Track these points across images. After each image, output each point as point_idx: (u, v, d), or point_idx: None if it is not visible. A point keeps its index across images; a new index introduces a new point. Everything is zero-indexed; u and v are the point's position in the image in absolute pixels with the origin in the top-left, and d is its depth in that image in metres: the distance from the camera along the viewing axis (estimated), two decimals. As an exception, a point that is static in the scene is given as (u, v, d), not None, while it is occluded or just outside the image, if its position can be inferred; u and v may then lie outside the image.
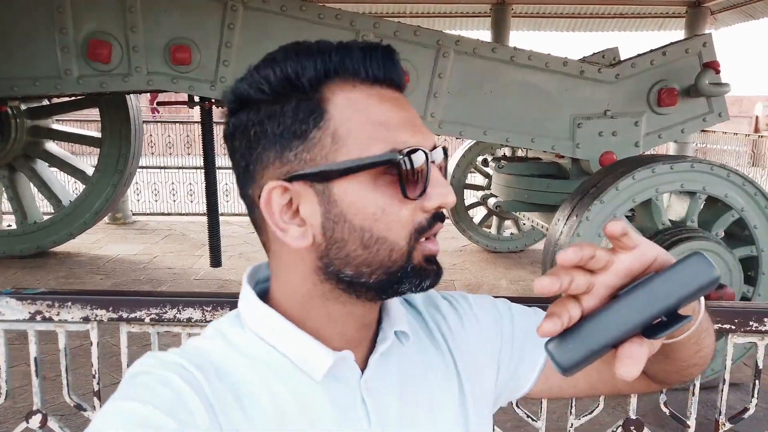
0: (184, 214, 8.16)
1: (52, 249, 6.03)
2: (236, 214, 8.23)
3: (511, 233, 6.52)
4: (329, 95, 0.56)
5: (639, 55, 3.96)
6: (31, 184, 5.96)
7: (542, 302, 0.95)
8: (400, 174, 0.55)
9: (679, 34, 8.47)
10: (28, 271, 5.54)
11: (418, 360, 0.69)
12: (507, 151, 5.81)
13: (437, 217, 0.59)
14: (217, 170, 4.56)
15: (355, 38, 3.74)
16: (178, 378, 0.53)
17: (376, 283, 0.58)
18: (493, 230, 6.47)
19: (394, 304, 0.68)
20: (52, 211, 6.01)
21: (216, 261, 4.69)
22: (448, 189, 0.58)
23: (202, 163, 4.63)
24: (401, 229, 0.57)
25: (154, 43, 3.65)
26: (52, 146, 6.04)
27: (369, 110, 0.57)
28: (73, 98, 5.67)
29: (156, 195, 8.32)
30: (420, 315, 0.74)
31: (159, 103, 4.74)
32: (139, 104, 6.06)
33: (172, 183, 8.35)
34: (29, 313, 0.94)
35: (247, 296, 0.63)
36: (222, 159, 9.21)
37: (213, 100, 4.31)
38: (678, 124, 4.02)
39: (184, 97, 4.38)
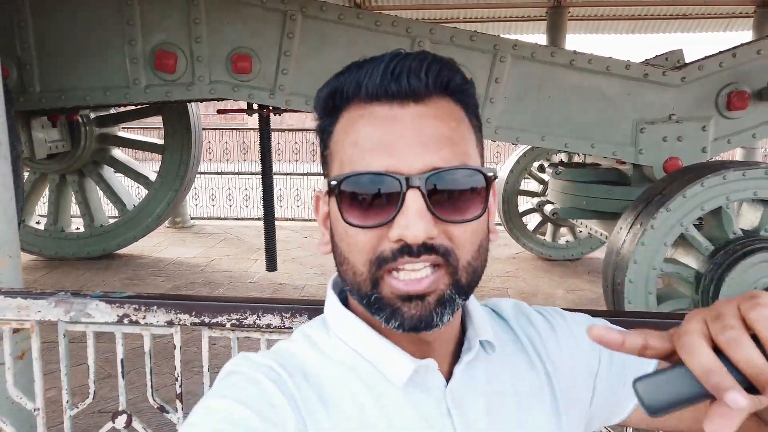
0: (239, 219, 8.37)
1: (116, 251, 6.29)
2: (290, 219, 8.39)
3: (567, 241, 6.36)
4: (342, 115, 0.58)
5: (707, 57, 3.80)
6: (99, 189, 6.24)
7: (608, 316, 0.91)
8: (337, 200, 0.55)
9: (746, 35, 8.10)
10: (95, 272, 5.80)
11: (507, 372, 0.66)
12: (564, 157, 5.69)
13: (404, 249, 0.53)
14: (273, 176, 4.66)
15: (411, 45, 3.76)
16: (265, 378, 0.55)
17: (359, 301, 0.58)
18: (547, 237, 6.33)
19: (478, 312, 0.65)
20: (117, 214, 6.27)
21: (272, 265, 4.77)
22: (413, 221, 0.52)
23: (257, 169, 4.73)
24: (358, 254, 0.55)
25: (217, 53, 3.76)
26: (118, 153, 6.31)
27: (353, 131, 0.56)
28: (138, 107, 5.92)
29: (213, 200, 8.57)
30: (509, 326, 0.71)
31: (219, 111, 4.88)
32: (199, 112, 6.26)
33: (229, 188, 8.59)
34: (117, 315, 0.98)
35: (331, 302, 0.64)
36: (278, 164, 9.46)
37: (271, 108, 4.41)
38: (749, 129, 3.84)
39: (243, 104, 4.49)
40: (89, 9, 3.69)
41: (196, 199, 8.55)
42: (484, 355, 0.64)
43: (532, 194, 6.37)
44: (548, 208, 5.31)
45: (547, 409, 0.66)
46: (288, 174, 9.05)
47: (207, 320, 0.97)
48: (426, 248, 0.53)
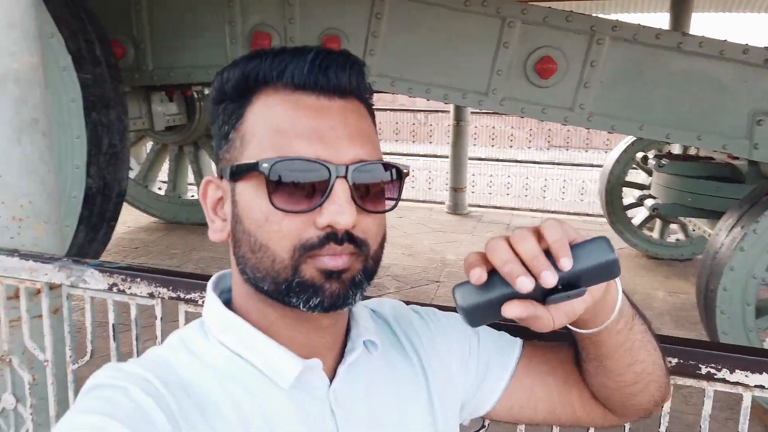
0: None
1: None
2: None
3: (677, 239, 5.87)
4: (254, 100, 0.57)
5: None
6: (211, 161, 6.72)
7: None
8: (267, 183, 0.54)
9: None
10: (203, 237, 6.29)
11: (387, 370, 0.68)
12: (677, 148, 5.21)
13: (331, 237, 0.54)
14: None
15: (501, 26, 3.62)
16: (140, 390, 0.52)
17: (269, 290, 0.57)
18: (655, 234, 5.87)
19: (363, 313, 0.68)
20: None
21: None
22: (344, 209, 0.54)
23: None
24: (282, 240, 0.55)
25: (309, 33, 3.87)
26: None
27: (276, 116, 0.56)
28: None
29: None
30: (389, 326, 0.73)
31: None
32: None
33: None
34: (108, 284, 1.08)
35: (211, 303, 0.63)
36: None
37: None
38: None
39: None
40: (195, -8, 3.95)
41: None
42: (367, 355, 0.66)
43: (641, 186, 5.92)
44: (649, 202, 4.91)
45: (424, 403, 0.69)
46: (387, 153, 9.16)
47: (182, 296, 1.04)
48: (348, 237, 0.55)
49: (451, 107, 7.76)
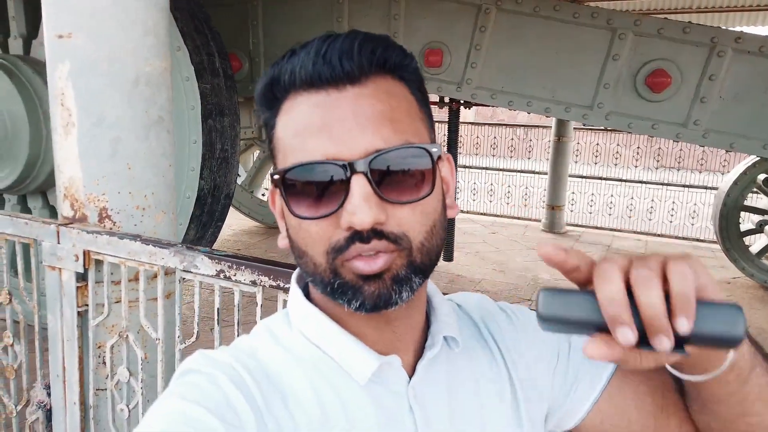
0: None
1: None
2: (481, 213, 8.41)
3: (802, 271, 5.31)
4: (281, 108, 0.56)
5: None
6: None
7: None
8: (282, 194, 0.54)
9: None
10: (274, 239, 6.53)
11: (469, 368, 0.65)
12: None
13: (356, 237, 0.51)
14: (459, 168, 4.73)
15: (611, 38, 3.49)
16: (226, 378, 0.53)
17: (322, 292, 0.56)
18: (776, 264, 5.36)
19: (444, 308, 0.65)
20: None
21: (448, 255, 4.87)
22: (358, 207, 0.50)
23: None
24: (315, 245, 0.54)
25: (412, 47, 3.94)
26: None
27: (295, 119, 0.54)
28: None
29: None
30: (474, 323, 0.70)
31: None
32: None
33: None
34: (215, 270, 1.15)
35: (294, 296, 0.63)
36: (475, 158, 9.50)
37: (462, 102, 4.48)
38: None
39: (434, 97, 4.63)
40: (305, 8, 4.15)
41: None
42: (447, 351, 0.63)
43: (761, 211, 5.44)
44: (770, 229, 4.49)
45: (508, 404, 0.66)
46: (483, 168, 9.05)
47: (282, 284, 1.08)
48: (376, 233, 0.51)
49: (552, 122, 7.55)
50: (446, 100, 4.56)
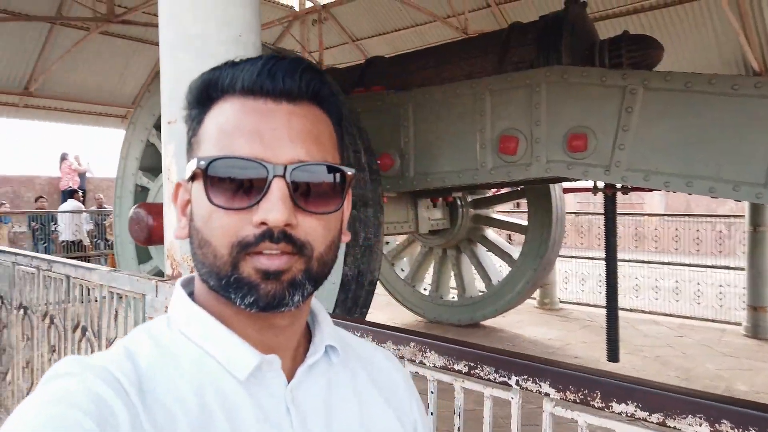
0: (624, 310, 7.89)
1: (481, 322, 6.84)
2: (666, 314, 7.49)
3: None
4: (212, 107, 0.60)
5: None
6: (471, 264, 6.98)
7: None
8: (204, 181, 0.57)
9: None
10: (460, 337, 6.42)
11: (352, 385, 0.68)
12: None
13: (267, 235, 0.55)
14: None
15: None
16: (99, 380, 0.52)
17: (214, 286, 0.58)
18: None
19: (328, 322, 0.68)
20: (485, 288, 6.85)
21: (613, 355, 4.40)
22: (278, 206, 0.54)
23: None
24: (222, 237, 0.56)
25: (554, 133, 3.90)
26: (489, 232, 6.98)
27: (224, 119, 0.58)
28: (509, 190, 6.48)
29: (583, 284, 8.40)
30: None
31: (565, 191, 4.93)
32: (562, 195, 6.41)
33: (599, 273, 8.28)
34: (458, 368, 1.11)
35: (179, 297, 0.64)
36: (628, 252, 8.61)
37: (616, 187, 4.23)
38: None
39: (586, 183, 4.44)
40: (451, 106, 4.38)
41: (566, 282, 8.54)
42: (328, 363, 0.66)
43: None
44: None
45: (392, 420, 0.68)
46: (666, 264, 8.15)
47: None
48: (285, 236, 0.56)
49: (746, 210, 6.67)
50: (600, 185, 4.34)
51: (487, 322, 6.95)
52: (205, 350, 0.60)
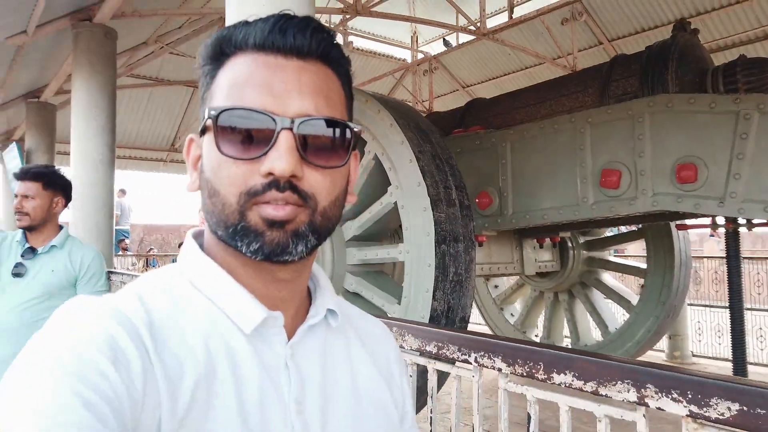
0: (752, 364, 7.01)
1: (597, 372, 6.37)
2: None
3: None
4: (226, 62, 0.61)
5: None
6: (586, 310, 6.58)
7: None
8: (214, 130, 0.58)
9: None
10: (571, 387, 6.01)
11: (346, 351, 0.70)
12: None
13: (273, 184, 0.56)
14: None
15: None
16: (118, 325, 0.53)
17: (222, 236, 0.59)
18: None
19: (329, 287, 0.70)
20: (600, 336, 6.41)
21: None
22: (284, 157, 0.55)
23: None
24: (230, 186, 0.57)
25: (660, 165, 3.66)
26: (605, 276, 6.56)
27: (236, 73, 0.59)
28: (625, 231, 6.10)
29: (720, 337, 7.54)
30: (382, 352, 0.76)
31: (679, 227, 4.55)
32: (687, 236, 5.90)
33: (740, 326, 7.40)
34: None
35: (189, 247, 0.65)
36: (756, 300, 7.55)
37: (738, 222, 3.85)
38: None
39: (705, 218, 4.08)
40: (550, 141, 4.29)
41: (699, 334, 7.72)
42: (327, 327, 0.69)
43: None
44: None
45: (385, 391, 0.71)
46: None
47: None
48: (291, 186, 0.57)
49: None
50: (719, 220, 3.97)
51: (605, 374, 6.46)
52: (213, 302, 0.61)
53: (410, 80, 10.27)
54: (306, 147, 0.58)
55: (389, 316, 3.23)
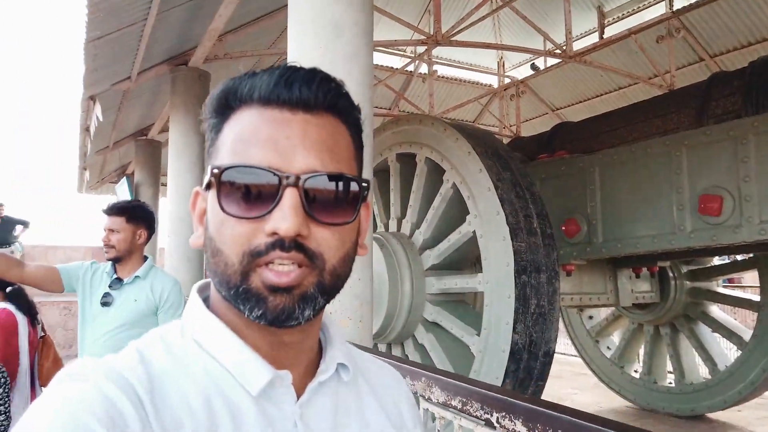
0: None
1: (706, 414, 5.82)
2: None
3: None
4: (231, 116, 0.60)
5: None
6: (691, 345, 6.06)
7: None
8: (217, 188, 0.56)
9: None
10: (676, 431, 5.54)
11: (359, 403, 0.66)
12: None
13: (277, 244, 0.54)
14: None
15: None
16: (115, 387, 0.51)
17: (225, 296, 0.58)
18: None
19: (339, 338, 0.68)
20: (709, 374, 5.87)
21: None
22: (289, 215, 0.53)
23: None
24: (233, 245, 0.55)
25: None
26: (713, 308, 6.03)
27: (241, 128, 0.58)
28: (735, 260, 5.60)
29: None
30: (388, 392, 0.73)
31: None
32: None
33: None
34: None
35: (194, 303, 0.63)
36: None
37: None
38: None
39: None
40: (642, 166, 4.05)
41: (830, 377, 6.84)
42: (338, 381, 0.66)
43: None
44: None
45: None
46: None
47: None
48: (296, 245, 0.55)
49: None
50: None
51: (716, 415, 5.88)
52: (217, 361, 0.59)
53: (497, 105, 10.15)
54: (312, 203, 0.56)
55: (428, 366, 3.13)
